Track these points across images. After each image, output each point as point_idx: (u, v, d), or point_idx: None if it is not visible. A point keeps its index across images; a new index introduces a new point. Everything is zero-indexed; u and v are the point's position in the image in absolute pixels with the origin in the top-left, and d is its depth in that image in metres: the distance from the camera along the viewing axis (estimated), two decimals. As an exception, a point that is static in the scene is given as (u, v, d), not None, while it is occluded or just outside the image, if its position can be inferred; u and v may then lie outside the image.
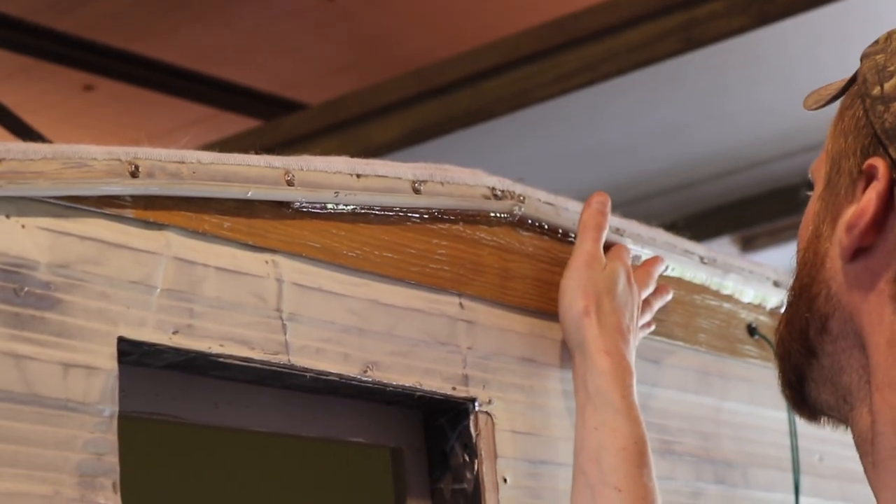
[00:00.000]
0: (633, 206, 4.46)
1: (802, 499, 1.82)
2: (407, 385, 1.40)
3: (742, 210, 4.77)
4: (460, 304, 1.47)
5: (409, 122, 4.11)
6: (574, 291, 1.51)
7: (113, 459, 1.14)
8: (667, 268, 1.67)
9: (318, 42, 4.38)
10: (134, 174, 1.19)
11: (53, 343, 1.12)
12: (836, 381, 1.13)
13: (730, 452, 1.77)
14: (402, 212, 1.43)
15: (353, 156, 1.43)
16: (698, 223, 4.80)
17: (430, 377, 1.42)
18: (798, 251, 1.17)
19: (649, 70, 3.69)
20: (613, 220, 1.65)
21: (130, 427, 1.22)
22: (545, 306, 1.54)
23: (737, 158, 4.39)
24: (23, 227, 1.12)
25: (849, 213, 1.10)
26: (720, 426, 1.76)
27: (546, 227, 1.57)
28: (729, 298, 1.81)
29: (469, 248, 1.50)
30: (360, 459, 2.00)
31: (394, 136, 4.13)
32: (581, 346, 1.49)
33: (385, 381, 1.38)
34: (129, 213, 1.20)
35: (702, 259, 1.77)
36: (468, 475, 1.45)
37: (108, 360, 1.15)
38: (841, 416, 1.15)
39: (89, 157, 1.16)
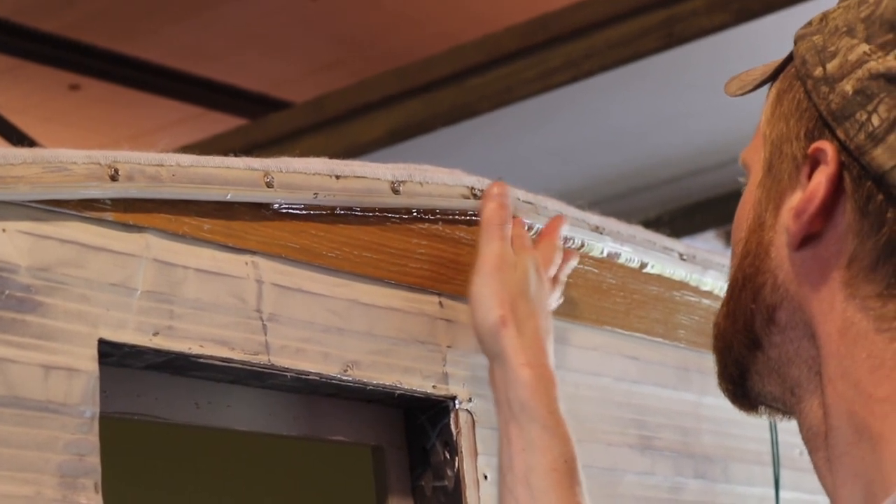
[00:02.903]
0: (618, 201, 4.48)
1: (782, 493, 1.84)
2: (387, 384, 1.41)
3: (726, 205, 4.77)
4: (440, 302, 1.49)
5: (394, 120, 4.12)
6: (488, 300, 1.42)
7: (94, 460, 1.15)
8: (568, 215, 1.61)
9: (302, 41, 4.39)
10: (113, 177, 1.20)
11: (34, 345, 1.13)
12: (784, 372, 1.09)
13: (710, 447, 1.78)
14: (381, 212, 1.44)
15: (337, 153, 1.44)
16: (683, 218, 4.82)
17: (411, 376, 1.43)
18: (737, 241, 1.13)
19: (632, 67, 3.70)
20: (592, 219, 1.66)
21: (112, 428, 1.23)
22: (525, 304, 1.55)
23: (720, 154, 4.40)
24: (3, 230, 1.13)
25: (795, 199, 1.06)
26: (700, 421, 1.77)
27: (525, 226, 1.58)
28: (708, 295, 1.82)
29: (448, 247, 1.50)
30: (341, 458, 2.01)
31: (378, 134, 4.15)
32: (500, 358, 1.41)
33: (365, 380, 1.39)
34: (109, 216, 1.20)
35: (681, 256, 1.78)
36: (449, 472, 1.46)
37: (88, 362, 1.16)
38: (785, 408, 1.12)
39: (69, 161, 1.17)
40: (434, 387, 1.45)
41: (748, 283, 1.10)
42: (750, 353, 1.11)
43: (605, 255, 1.67)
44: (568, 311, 1.62)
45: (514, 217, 1.52)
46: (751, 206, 1.12)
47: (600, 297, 1.67)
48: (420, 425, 1.49)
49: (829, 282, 1.05)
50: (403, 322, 1.44)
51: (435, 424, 1.48)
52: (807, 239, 1.06)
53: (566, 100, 3.97)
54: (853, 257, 1.04)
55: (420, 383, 1.44)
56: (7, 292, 1.12)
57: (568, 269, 1.57)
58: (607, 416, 1.65)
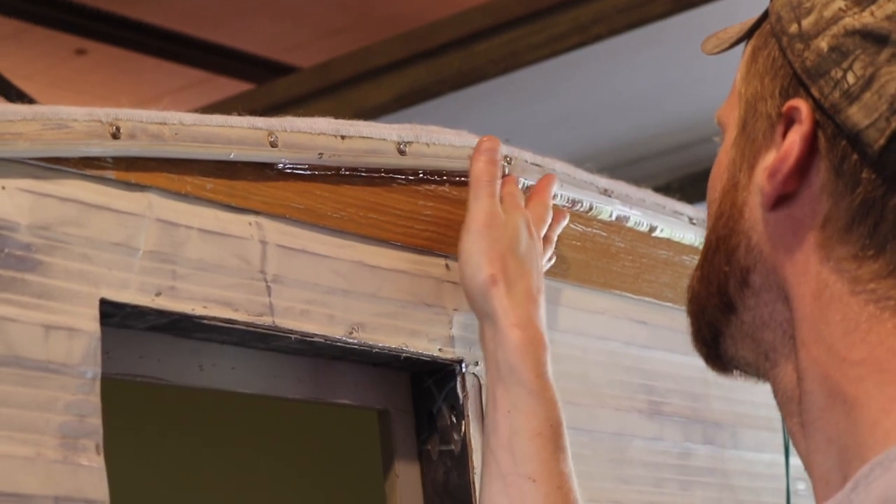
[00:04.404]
0: (627, 168, 4.47)
1: (792, 459, 1.82)
2: (393, 346, 1.40)
3: (736, 172, 4.75)
4: (446, 265, 1.47)
5: (401, 85, 4.10)
6: (478, 258, 1.39)
7: (96, 421, 1.13)
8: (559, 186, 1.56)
9: (309, 5, 4.37)
10: (115, 135, 1.18)
11: (34, 305, 1.11)
12: (758, 336, 1.07)
13: (719, 413, 1.77)
14: (387, 173, 1.42)
15: (344, 118, 1.42)
16: (692, 185, 4.80)
17: (417, 338, 1.42)
18: (711, 203, 1.11)
19: (640, 31, 3.68)
20: (601, 182, 1.64)
21: (115, 389, 1.22)
22: (532, 267, 1.54)
23: (730, 120, 4.38)
24: (3, 188, 1.11)
25: (769, 158, 1.04)
26: (709, 387, 1.76)
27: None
28: (718, 259, 1.80)
29: (455, 209, 1.49)
30: (347, 421, 2.00)
31: (385, 99, 4.13)
32: (490, 318, 1.38)
33: (371, 343, 1.38)
34: (111, 174, 1.19)
35: (691, 220, 1.76)
36: (455, 436, 1.45)
37: (90, 322, 1.15)
38: (759, 372, 1.09)
39: (70, 119, 1.15)
40: (440, 350, 1.44)
41: (722, 245, 1.08)
42: (724, 317, 1.09)
43: (613, 218, 1.65)
44: (576, 274, 1.61)
45: (506, 175, 1.49)
46: (725, 167, 1.09)
47: (609, 261, 1.66)
48: (426, 389, 1.48)
49: (803, 243, 1.03)
50: (409, 284, 1.42)
51: (441, 388, 1.47)
52: (781, 199, 1.04)
53: (574, 65, 3.95)
54: (827, 218, 1.02)
55: (426, 346, 1.43)
56: (7, 251, 1.10)
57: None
58: (616, 380, 1.63)
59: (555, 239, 1.54)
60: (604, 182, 1.64)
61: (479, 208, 1.42)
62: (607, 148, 4.61)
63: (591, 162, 1.77)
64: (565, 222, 1.56)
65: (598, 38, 3.71)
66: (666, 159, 4.78)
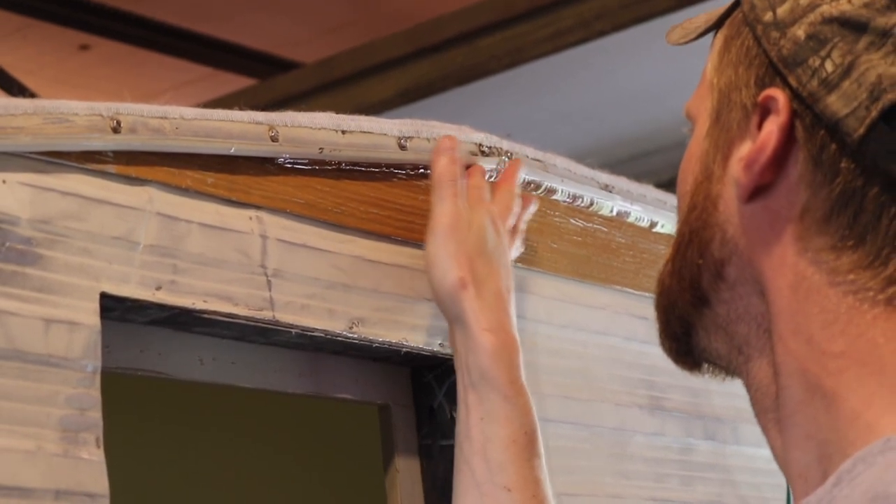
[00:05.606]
0: (630, 163, 4.47)
1: (793, 455, 1.82)
2: (393, 341, 1.40)
3: (739, 168, 4.75)
4: (447, 260, 1.47)
5: (404, 81, 4.10)
6: (446, 261, 1.36)
7: (96, 415, 1.14)
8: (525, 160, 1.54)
9: (312, 1, 4.37)
10: (116, 129, 1.18)
11: (35, 298, 1.11)
12: (731, 330, 1.05)
13: (720, 408, 1.76)
14: (387, 168, 1.43)
15: (348, 114, 1.42)
16: (695, 181, 4.79)
17: (417, 333, 1.42)
18: (682, 195, 1.09)
19: (644, 27, 3.68)
20: (602, 177, 1.64)
21: (116, 383, 1.22)
22: (534, 263, 1.54)
23: (733, 116, 4.37)
24: (3, 182, 1.12)
25: (744, 149, 1.02)
26: (710, 382, 1.75)
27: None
28: (719, 255, 1.80)
29: (456, 204, 1.48)
30: (348, 416, 2.00)
31: (388, 95, 4.13)
32: (460, 321, 1.35)
33: (371, 338, 1.38)
34: (111, 168, 1.19)
35: (692, 215, 1.76)
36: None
37: (90, 316, 1.15)
38: (731, 367, 1.08)
39: (70, 113, 1.16)
40: (441, 345, 1.44)
41: (695, 237, 1.07)
42: (696, 311, 1.08)
43: (614, 213, 1.66)
44: (576, 269, 1.61)
45: (471, 166, 1.46)
46: (697, 158, 1.08)
47: (609, 257, 1.66)
48: (427, 384, 1.48)
49: (781, 235, 1.01)
50: (410, 279, 1.42)
51: (442, 383, 1.47)
52: (757, 191, 1.02)
53: (578, 61, 3.95)
54: (805, 209, 1.00)
55: (427, 341, 1.43)
56: (7, 244, 1.11)
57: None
58: (616, 376, 1.63)
59: (523, 228, 1.51)
60: (605, 177, 1.64)
61: (443, 210, 1.39)
62: (610, 143, 4.61)
63: (595, 157, 1.77)
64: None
65: (601, 33, 3.71)
66: (669, 155, 4.77)
